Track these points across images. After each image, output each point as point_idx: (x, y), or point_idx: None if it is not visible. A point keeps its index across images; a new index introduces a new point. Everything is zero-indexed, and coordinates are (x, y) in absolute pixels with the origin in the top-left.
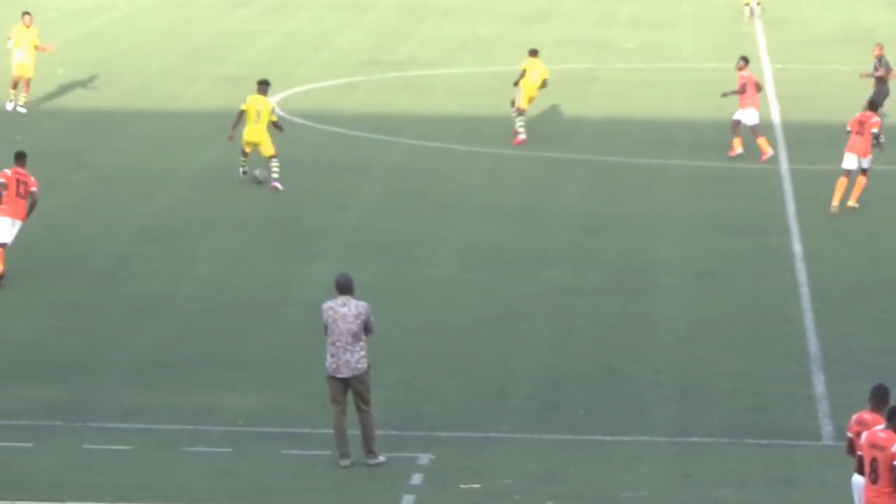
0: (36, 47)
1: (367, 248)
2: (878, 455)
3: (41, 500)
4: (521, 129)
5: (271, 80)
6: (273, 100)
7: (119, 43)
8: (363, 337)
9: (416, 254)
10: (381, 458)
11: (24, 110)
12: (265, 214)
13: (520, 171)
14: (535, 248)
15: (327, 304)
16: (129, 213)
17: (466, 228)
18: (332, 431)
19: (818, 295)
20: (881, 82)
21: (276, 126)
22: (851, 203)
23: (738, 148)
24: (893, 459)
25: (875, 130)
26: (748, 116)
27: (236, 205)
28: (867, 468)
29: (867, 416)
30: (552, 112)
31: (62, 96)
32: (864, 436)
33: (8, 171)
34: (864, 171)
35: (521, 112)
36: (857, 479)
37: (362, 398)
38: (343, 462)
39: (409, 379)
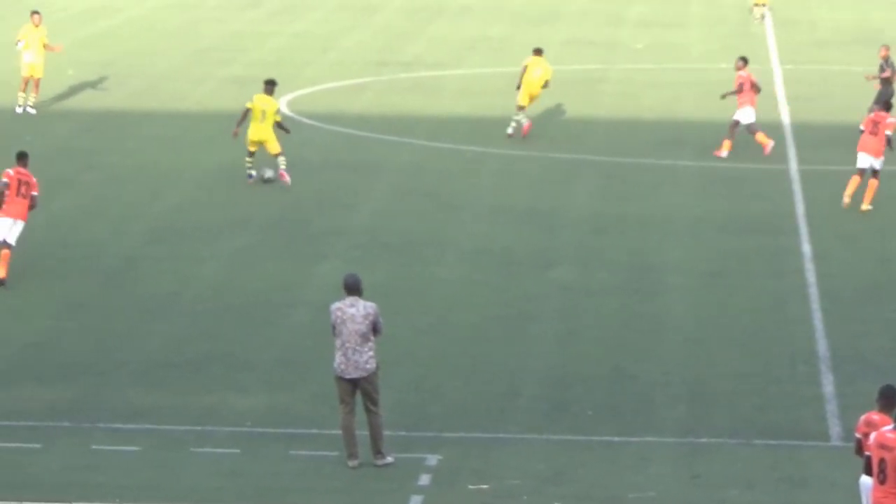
0: (45, 46)
1: (375, 248)
2: (887, 456)
3: (49, 501)
4: (523, 120)
5: (279, 82)
6: (281, 101)
7: (127, 44)
8: (372, 338)
9: (425, 254)
10: (390, 459)
11: (34, 111)
12: (274, 215)
13: (529, 172)
14: (544, 248)
15: (335, 305)
16: (138, 214)
17: (475, 229)
18: (340, 432)
19: (827, 295)
20: (887, 83)
21: (280, 127)
22: (865, 206)
23: (724, 150)
24: None
25: (889, 133)
26: (745, 115)
27: (244, 205)
28: (875, 469)
29: (875, 416)
30: (561, 112)
31: (72, 97)
32: (872, 436)
33: (10, 171)
34: (875, 174)
35: (521, 108)
36: (866, 480)
37: (371, 399)
38: (351, 463)
39: (418, 380)
